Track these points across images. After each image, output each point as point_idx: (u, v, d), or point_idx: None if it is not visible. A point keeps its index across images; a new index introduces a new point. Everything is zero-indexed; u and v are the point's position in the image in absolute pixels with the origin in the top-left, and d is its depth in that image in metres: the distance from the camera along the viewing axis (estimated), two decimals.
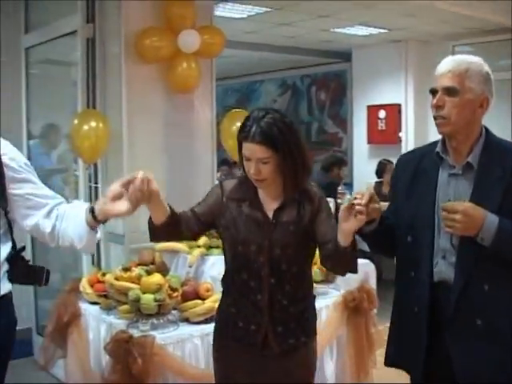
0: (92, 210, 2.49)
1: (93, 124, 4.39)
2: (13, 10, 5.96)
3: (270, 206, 2.82)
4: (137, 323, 3.52)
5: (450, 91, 2.50)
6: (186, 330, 3.57)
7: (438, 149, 2.66)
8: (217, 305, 3.66)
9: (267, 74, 13.12)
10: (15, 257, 2.62)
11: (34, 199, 2.56)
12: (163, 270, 3.83)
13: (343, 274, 2.93)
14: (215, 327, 3.01)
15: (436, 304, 2.60)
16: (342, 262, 2.70)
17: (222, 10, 7.21)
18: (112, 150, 4.63)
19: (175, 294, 3.61)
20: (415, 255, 2.66)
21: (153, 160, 4.80)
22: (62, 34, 5.18)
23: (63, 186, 6.16)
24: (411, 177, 2.74)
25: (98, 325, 3.73)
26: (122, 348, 3.28)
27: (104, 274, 3.91)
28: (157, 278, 3.62)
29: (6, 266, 2.58)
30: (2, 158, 2.49)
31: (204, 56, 4.80)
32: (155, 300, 3.48)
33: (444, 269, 2.59)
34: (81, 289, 3.93)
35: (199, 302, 3.68)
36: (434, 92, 2.57)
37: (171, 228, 2.73)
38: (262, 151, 2.65)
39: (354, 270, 2.75)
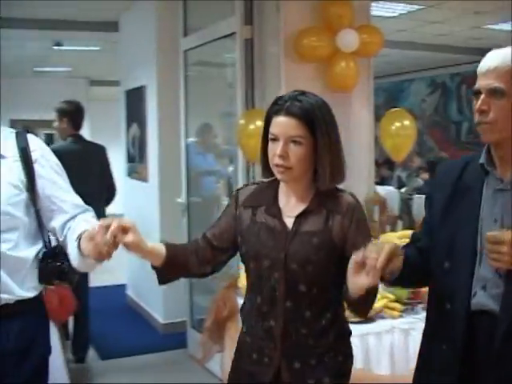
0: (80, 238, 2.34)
1: (258, 123, 4.44)
2: (171, 14, 6.17)
3: (291, 213, 2.34)
4: None
5: (495, 93, 2.05)
6: None
7: (483, 160, 2.18)
8: (380, 304, 3.61)
9: (416, 73, 12.93)
10: (46, 256, 2.50)
11: (57, 203, 2.51)
12: None
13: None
14: (234, 356, 2.56)
15: (471, 343, 2.14)
16: (354, 310, 2.37)
17: (374, 9, 7.15)
18: None
19: None
20: (452, 284, 2.18)
21: None
22: (220, 36, 5.29)
23: (216, 185, 6.32)
24: (450, 191, 2.25)
25: None
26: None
27: None
28: None
29: (36, 266, 2.50)
30: (32, 153, 2.48)
31: (362, 55, 4.75)
32: None
33: (484, 301, 2.12)
34: (239, 285, 3.94)
35: None
36: (476, 93, 2.11)
37: (173, 270, 2.37)
38: (297, 127, 2.22)
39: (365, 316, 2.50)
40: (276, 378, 2.33)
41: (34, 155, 2.48)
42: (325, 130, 2.25)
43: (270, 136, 2.29)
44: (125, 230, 2.13)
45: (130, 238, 2.13)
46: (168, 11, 6.32)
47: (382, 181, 10.08)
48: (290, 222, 2.33)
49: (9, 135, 2.51)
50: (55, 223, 2.51)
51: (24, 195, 2.44)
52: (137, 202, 7.26)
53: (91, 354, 5.95)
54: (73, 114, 5.80)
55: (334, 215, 2.30)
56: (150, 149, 6.78)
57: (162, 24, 6.45)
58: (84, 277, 5.47)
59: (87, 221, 2.46)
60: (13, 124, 12.82)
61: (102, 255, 2.15)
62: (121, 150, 7.90)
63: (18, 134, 2.52)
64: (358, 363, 3.40)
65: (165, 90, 6.41)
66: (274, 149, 2.25)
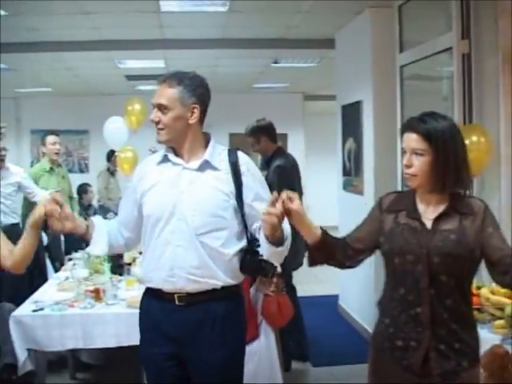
0: None
1: (474, 138, 4.40)
2: (387, 30, 6.32)
3: (429, 215, 2.68)
4: None
5: None
6: None
7: None
8: None
9: None
10: (247, 251, 3.02)
11: (258, 210, 2.93)
12: None
13: None
14: (372, 351, 2.87)
15: None
16: None
17: None
18: (488, 164, 4.57)
19: None
20: None
21: None
22: (437, 51, 5.31)
23: None
24: None
25: None
26: (497, 363, 3.24)
27: (479, 288, 3.90)
28: None
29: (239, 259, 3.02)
30: (241, 167, 3.00)
31: None
32: None
33: None
34: None
35: None
36: None
37: (321, 254, 2.79)
38: (417, 141, 2.59)
39: None
40: (424, 359, 2.62)
41: (242, 169, 3.01)
42: (441, 146, 2.57)
43: (402, 150, 2.71)
44: (291, 200, 2.63)
45: (294, 205, 2.64)
46: (384, 28, 6.44)
47: None
48: (429, 223, 2.67)
49: (222, 151, 3.06)
50: (252, 228, 3.04)
51: (233, 202, 2.98)
52: (352, 214, 7.34)
53: None
54: (269, 129, 5.90)
55: (466, 217, 2.63)
56: (365, 163, 6.88)
57: (377, 40, 6.56)
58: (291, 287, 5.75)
59: None
60: (231, 138, 13.51)
61: (270, 223, 2.64)
62: (336, 163, 8.07)
63: (229, 151, 3.07)
64: None
65: (381, 105, 6.52)
66: (404, 160, 2.67)
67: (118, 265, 5.18)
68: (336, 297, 8.14)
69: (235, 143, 13.56)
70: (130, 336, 4.07)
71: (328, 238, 2.79)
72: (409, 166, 2.64)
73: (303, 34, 8.05)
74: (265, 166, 5.99)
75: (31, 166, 10.96)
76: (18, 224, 6.80)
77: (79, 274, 5.08)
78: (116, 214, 3.50)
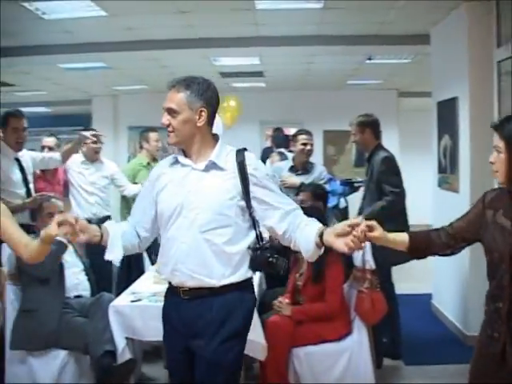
0: (321, 235, 2.91)
1: None
2: (484, 25, 6.25)
3: None
4: None
5: None
6: None
7: None
8: None
9: None
10: (257, 248, 3.17)
11: (270, 203, 3.13)
12: None
13: None
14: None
15: None
16: None
17: None
18: None
19: None
20: None
21: None
22: None
23: None
24: None
25: None
26: None
27: None
28: None
29: (249, 255, 3.17)
30: (248, 167, 3.12)
31: None
32: None
33: None
34: None
35: None
36: None
37: (417, 252, 3.01)
38: (497, 139, 2.77)
39: None
40: (503, 351, 2.76)
41: (249, 169, 3.14)
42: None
43: None
44: (371, 228, 2.81)
45: (376, 233, 2.85)
46: (480, 22, 6.34)
47: None
48: None
49: (230, 152, 3.20)
50: (271, 220, 3.15)
51: (238, 200, 3.12)
52: (446, 212, 7.23)
53: None
54: (374, 125, 6.09)
55: None
56: (461, 160, 6.76)
57: (474, 35, 6.43)
58: (390, 284, 5.75)
59: (311, 222, 3.09)
60: (325, 135, 13.49)
61: (352, 248, 2.80)
62: (431, 160, 7.96)
63: (237, 152, 3.20)
64: None
65: (477, 101, 6.39)
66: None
67: None
68: (429, 296, 8.05)
69: (329, 140, 13.57)
70: None
71: (418, 239, 3.00)
72: (492, 163, 2.82)
73: (398, 30, 7.98)
74: (364, 161, 6.09)
75: (128, 161, 11.24)
76: (109, 216, 7.03)
77: None
78: None
